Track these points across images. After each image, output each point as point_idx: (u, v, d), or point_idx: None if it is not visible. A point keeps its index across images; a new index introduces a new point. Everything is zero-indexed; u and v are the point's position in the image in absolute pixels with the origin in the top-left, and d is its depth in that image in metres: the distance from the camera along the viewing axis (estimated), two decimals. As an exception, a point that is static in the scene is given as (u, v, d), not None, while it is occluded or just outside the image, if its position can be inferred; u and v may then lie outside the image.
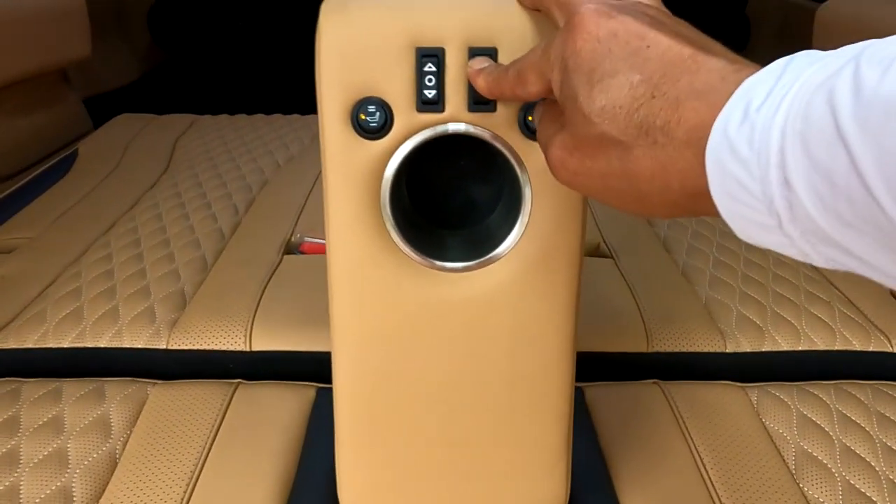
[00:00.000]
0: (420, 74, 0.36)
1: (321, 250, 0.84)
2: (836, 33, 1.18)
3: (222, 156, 1.14)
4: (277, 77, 1.93)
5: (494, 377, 0.43)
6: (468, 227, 0.44)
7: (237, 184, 1.02)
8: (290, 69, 1.90)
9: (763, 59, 0.22)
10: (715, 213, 0.23)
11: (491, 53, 0.36)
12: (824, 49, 0.21)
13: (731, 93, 0.21)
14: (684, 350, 0.67)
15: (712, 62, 0.23)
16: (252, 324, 0.66)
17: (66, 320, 0.67)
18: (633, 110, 0.24)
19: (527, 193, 0.38)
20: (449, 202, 0.44)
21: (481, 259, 0.40)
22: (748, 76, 0.21)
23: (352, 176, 0.38)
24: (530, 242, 0.39)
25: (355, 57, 0.36)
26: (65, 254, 0.80)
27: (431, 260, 0.40)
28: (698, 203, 0.23)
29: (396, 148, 0.37)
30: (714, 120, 0.21)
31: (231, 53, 1.89)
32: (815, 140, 0.18)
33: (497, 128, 0.37)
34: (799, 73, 0.20)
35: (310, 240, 0.85)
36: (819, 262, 0.20)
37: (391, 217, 0.39)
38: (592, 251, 0.86)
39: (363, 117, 0.36)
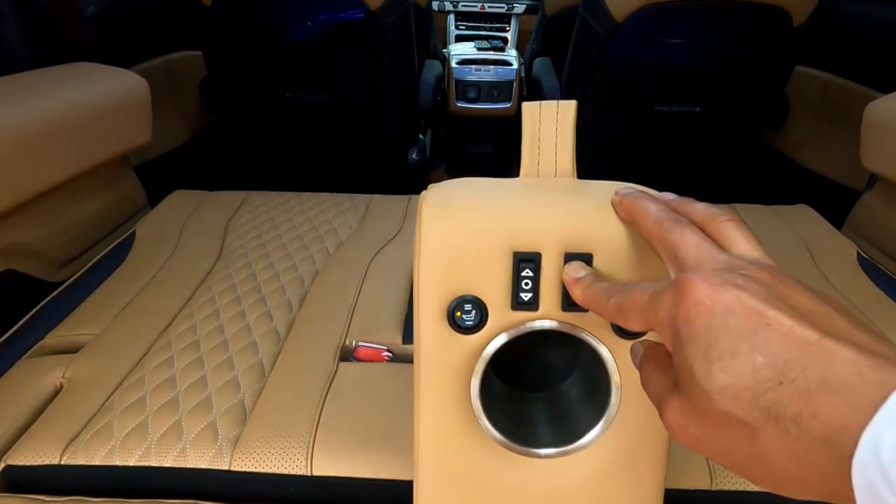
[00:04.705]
0: (517, 278, 0.37)
1: (375, 356, 0.85)
2: (886, 133, 1.17)
3: (273, 241, 1.17)
4: (322, 152, 1.99)
5: None
6: (546, 390, 0.45)
7: (290, 275, 1.04)
8: (333, 145, 1.96)
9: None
10: None
11: (586, 259, 0.37)
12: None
13: (873, 398, 0.21)
14: (748, 489, 0.65)
15: (843, 352, 0.22)
16: (312, 446, 0.67)
17: (132, 435, 0.68)
18: (759, 394, 0.23)
19: (615, 389, 0.39)
20: (527, 365, 0.45)
21: (567, 447, 0.40)
22: (888, 376, 0.21)
23: (444, 367, 0.39)
24: (617, 434, 0.39)
25: (455, 259, 0.37)
26: (128, 355, 0.82)
27: (519, 446, 0.40)
28: (841, 497, 0.22)
29: (489, 342, 0.38)
30: (857, 426, 0.21)
31: (277, 125, 1.96)
32: None
33: (589, 326, 0.38)
34: None
35: (364, 345, 0.86)
36: None
37: (481, 406, 0.39)
38: None
39: (459, 314, 0.38)
